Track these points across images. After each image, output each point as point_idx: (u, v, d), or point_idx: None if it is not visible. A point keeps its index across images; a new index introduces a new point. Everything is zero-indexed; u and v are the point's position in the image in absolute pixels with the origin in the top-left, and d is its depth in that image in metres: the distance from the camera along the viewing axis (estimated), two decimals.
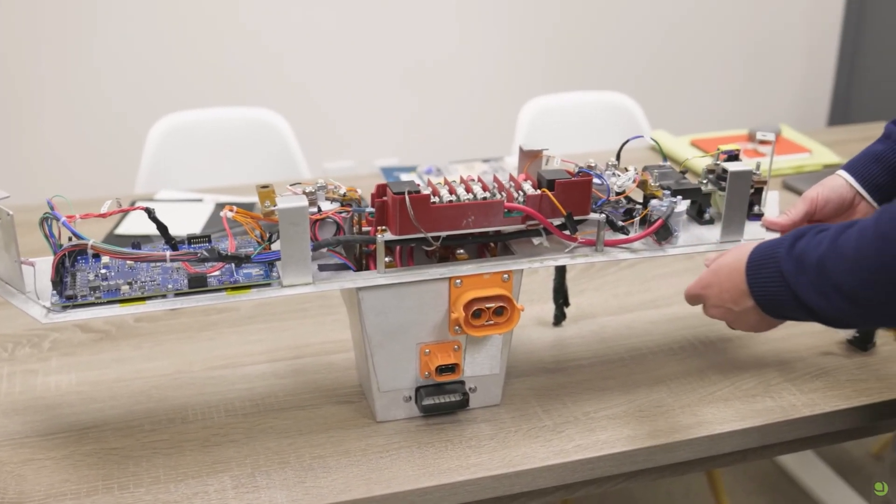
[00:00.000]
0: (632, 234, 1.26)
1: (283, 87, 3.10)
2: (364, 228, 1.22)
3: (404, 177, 2.07)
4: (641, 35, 3.41)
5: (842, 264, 0.98)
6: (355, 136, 3.24)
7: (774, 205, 1.39)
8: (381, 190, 1.18)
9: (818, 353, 1.43)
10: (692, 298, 1.24)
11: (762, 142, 2.15)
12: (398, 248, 1.18)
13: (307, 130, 2.86)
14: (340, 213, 1.19)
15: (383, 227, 1.16)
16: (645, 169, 1.33)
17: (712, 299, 1.19)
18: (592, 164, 1.27)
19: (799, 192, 2.03)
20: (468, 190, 1.19)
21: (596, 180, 1.24)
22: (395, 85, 3.21)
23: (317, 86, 3.14)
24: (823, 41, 3.64)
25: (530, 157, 1.28)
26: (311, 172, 2.41)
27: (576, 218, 1.22)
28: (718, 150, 1.33)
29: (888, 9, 3.40)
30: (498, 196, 1.19)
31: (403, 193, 1.13)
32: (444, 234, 1.17)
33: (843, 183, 1.32)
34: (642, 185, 1.30)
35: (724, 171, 1.29)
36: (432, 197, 1.16)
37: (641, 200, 1.30)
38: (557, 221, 1.21)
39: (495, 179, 1.23)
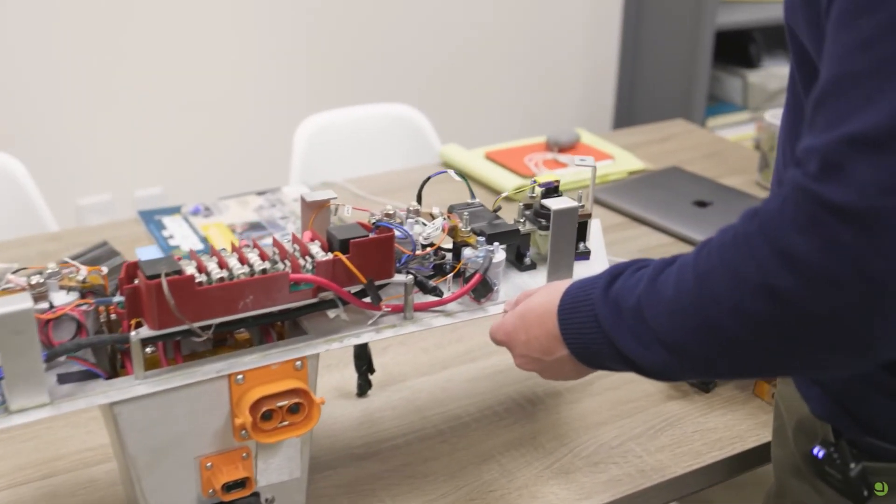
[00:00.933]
0: (446, 295, 1.06)
1: (9, 118, 2.68)
2: (115, 317, 0.97)
3: (167, 220, 1.79)
4: (422, 43, 3.22)
5: (661, 308, 0.81)
6: (110, 166, 2.88)
7: (599, 236, 1.22)
8: (130, 272, 0.93)
9: (658, 401, 1.27)
10: (496, 342, 1.05)
11: (581, 165, 2.00)
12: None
13: (48, 166, 2.52)
14: (81, 305, 0.93)
15: (138, 321, 0.91)
16: (452, 210, 1.13)
17: (519, 348, 0.99)
18: (391, 213, 1.06)
19: (608, 205, 1.86)
20: (243, 261, 0.95)
21: (398, 233, 1.03)
22: (154, 108, 2.88)
23: (55, 113, 2.74)
24: (604, 44, 3.57)
25: (315, 209, 1.06)
26: (58, 221, 2.05)
27: (378, 283, 1.00)
28: (535, 181, 1.15)
29: (664, 9, 3.37)
30: (281, 266, 0.96)
31: (159, 276, 0.88)
32: (216, 321, 0.93)
33: None
34: (452, 231, 1.10)
35: (544, 207, 1.11)
36: (197, 276, 0.92)
37: (451, 248, 1.10)
38: (356, 289, 1.00)
39: (276, 244, 1.00)
